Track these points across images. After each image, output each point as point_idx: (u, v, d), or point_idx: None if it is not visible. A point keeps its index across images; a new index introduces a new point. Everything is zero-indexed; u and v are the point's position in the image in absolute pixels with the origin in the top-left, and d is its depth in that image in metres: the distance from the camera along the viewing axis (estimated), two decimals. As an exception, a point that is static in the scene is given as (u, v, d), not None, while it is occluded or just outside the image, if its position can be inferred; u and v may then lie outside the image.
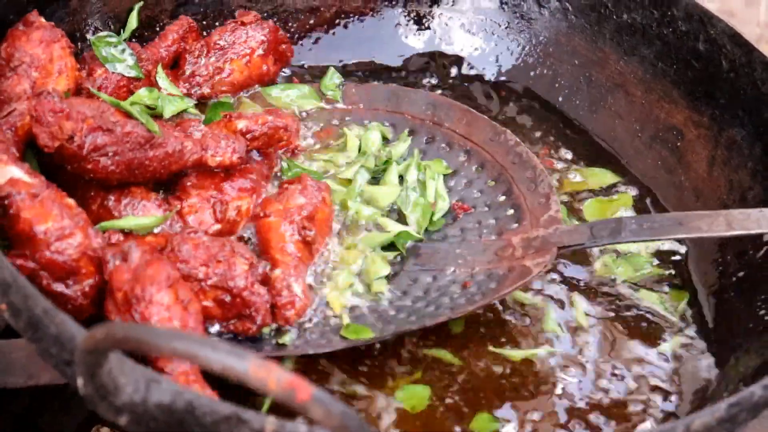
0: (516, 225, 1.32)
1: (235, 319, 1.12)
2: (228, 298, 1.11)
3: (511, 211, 1.33)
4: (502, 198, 1.35)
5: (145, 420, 0.85)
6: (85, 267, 1.06)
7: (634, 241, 1.26)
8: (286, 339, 1.16)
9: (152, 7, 1.52)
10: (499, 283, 1.23)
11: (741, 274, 1.29)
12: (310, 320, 1.18)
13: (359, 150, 1.42)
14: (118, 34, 1.45)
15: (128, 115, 1.20)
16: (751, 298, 1.27)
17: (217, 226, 1.22)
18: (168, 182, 1.23)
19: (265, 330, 1.15)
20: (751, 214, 1.19)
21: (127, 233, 1.16)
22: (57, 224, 1.05)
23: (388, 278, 1.27)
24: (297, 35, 1.59)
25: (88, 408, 0.86)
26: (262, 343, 1.14)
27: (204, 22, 1.59)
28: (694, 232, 1.22)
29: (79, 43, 1.45)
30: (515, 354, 1.20)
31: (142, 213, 1.17)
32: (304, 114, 1.47)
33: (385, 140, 1.45)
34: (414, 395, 1.16)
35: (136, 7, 1.47)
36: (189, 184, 1.23)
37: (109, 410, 0.85)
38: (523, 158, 1.38)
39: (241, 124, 1.29)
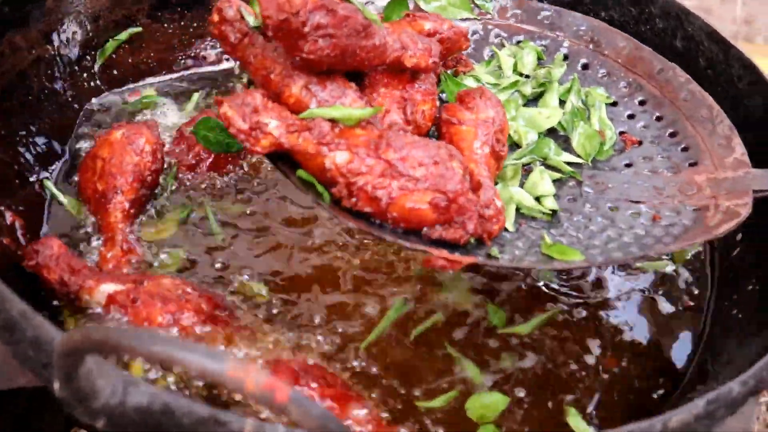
0: (694, 164, 1.17)
1: (446, 225, 1.02)
2: (444, 202, 0.99)
3: (685, 149, 1.20)
4: (672, 135, 1.21)
5: (122, 423, 0.79)
6: None
7: None
8: (495, 252, 1.04)
9: (129, 6, 1.49)
10: (696, 222, 1.09)
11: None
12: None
13: (514, 70, 1.27)
14: (94, 34, 1.42)
15: (346, 0, 1.07)
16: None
17: (408, 129, 1.10)
18: (357, 78, 1.12)
19: (471, 240, 1.03)
20: None
21: (334, 123, 1.03)
22: None
23: (569, 201, 1.15)
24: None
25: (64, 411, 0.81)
26: (470, 253, 1.03)
27: (182, 23, 1.58)
28: None
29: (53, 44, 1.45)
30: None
31: (349, 102, 1.06)
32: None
33: (539, 62, 1.29)
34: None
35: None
36: (378, 81, 1.12)
37: (87, 414, 0.79)
38: (696, 96, 1.22)
39: (428, 25, 1.18)
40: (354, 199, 1.01)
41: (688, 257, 1.30)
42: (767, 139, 1.24)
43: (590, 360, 1.18)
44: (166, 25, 1.48)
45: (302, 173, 1.04)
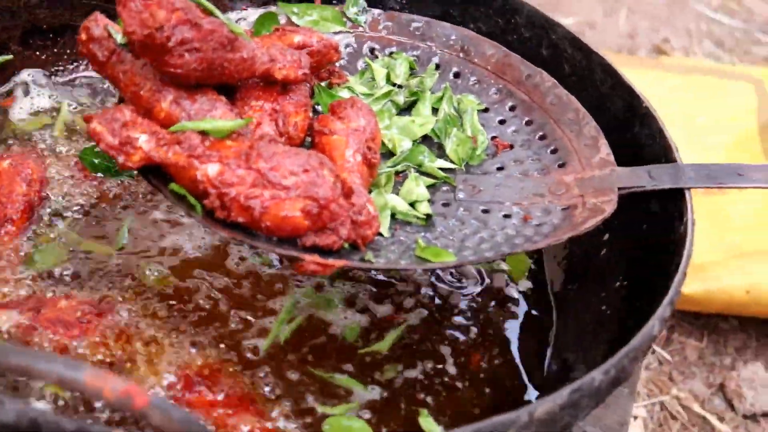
0: (563, 165, 1.21)
1: (319, 232, 1.02)
2: (315, 209, 1.00)
3: (554, 151, 1.23)
4: (542, 138, 1.25)
5: (-13, 444, 0.76)
6: None
7: (692, 187, 1.17)
8: (370, 256, 1.05)
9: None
10: (564, 220, 1.13)
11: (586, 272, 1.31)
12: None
13: (387, 80, 1.29)
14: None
15: (211, 15, 1.07)
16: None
17: (280, 140, 1.11)
18: (228, 91, 1.13)
19: (345, 246, 1.05)
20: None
21: (204, 135, 1.04)
22: None
23: (443, 206, 1.17)
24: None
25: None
26: (344, 258, 1.04)
27: (55, 49, 1.52)
28: (755, 183, 1.16)
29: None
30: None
31: (219, 114, 1.06)
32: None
33: (412, 72, 1.32)
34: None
35: None
36: (249, 93, 1.13)
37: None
38: (563, 100, 1.26)
39: (297, 38, 1.19)
40: (227, 211, 1.02)
41: (526, 273, 1.34)
42: (630, 140, 1.29)
43: (450, 363, 1.21)
44: (38, 51, 1.46)
45: (174, 186, 1.05)
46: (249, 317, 1.22)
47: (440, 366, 1.21)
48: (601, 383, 0.98)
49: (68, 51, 1.52)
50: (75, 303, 1.16)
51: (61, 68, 1.52)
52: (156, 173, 1.06)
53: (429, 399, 1.18)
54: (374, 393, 1.16)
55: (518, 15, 1.41)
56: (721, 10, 3.12)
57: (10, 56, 1.44)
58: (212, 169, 1.03)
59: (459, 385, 1.20)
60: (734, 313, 2.06)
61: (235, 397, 1.11)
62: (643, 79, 2.38)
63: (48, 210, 1.29)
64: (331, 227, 1.04)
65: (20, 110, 1.44)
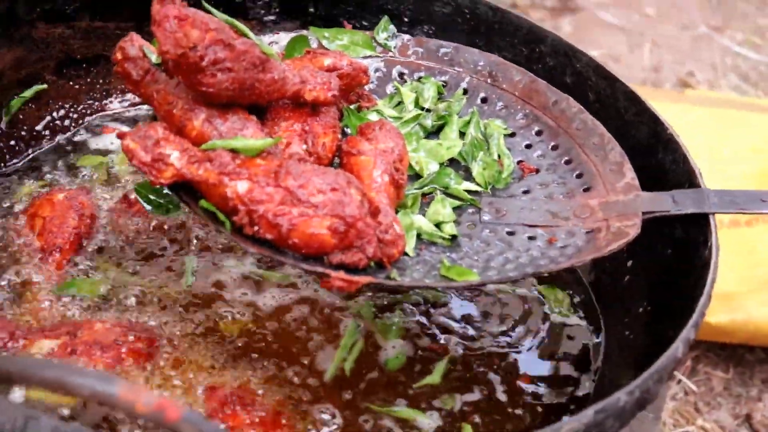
0: (588, 189, 1.22)
1: (345, 250, 1.04)
2: (342, 227, 1.02)
3: (579, 176, 1.25)
4: (567, 162, 1.26)
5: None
6: None
7: (716, 212, 1.17)
8: (395, 274, 1.07)
9: (34, 64, 1.49)
10: (588, 242, 1.14)
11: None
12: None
13: (415, 104, 1.31)
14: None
15: (243, 36, 1.10)
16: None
17: (309, 159, 1.13)
18: (259, 111, 1.15)
19: (371, 264, 1.06)
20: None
21: (235, 153, 1.06)
22: None
23: (468, 227, 1.19)
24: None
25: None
26: (370, 275, 1.05)
27: (89, 79, 1.59)
28: None
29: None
30: None
31: (250, 134, 1.08)
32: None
33: (440, 96, 1.34)
34: None
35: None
36: (280, 114, 1.15)
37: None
38: (588, 125, 1.27)
39: (327, 61, 1.21)
40: (256, 227, 1.04)
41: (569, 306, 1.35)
42: (654, 166, 1.30)
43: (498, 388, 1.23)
44: (72, 82, 1.50)
45: (204, 203, 1.07)
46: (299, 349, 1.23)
47: (488, 391, 1.23)
48: (626, 404, 0.99)
49: (101, 81, 1.55)
50: (110, 326, 1.18)
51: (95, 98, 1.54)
52: (186, 190, 1.08)
53: (479, 419, 1.19)
54: (434, 420, 1.17)
55: (543, 44, 1.43)
56: (746, 45, 3.13)
57: (45, 86, 1.47)
58: (242, 186, 1.05)
59: (508, 408, 1.22)
60: (760, 344, 2.05)
61: (269, 416, 1.12)
62: (668, 111, 2.39)
63: (95, 244, 1.32)
64: (357, 245, 1.05)
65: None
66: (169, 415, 0.73)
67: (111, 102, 1.54)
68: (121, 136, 1.06)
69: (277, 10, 1.51)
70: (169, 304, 1.24)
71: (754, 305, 2.03)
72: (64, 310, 1.23)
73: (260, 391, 1.16)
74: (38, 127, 1.48)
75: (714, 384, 2.01)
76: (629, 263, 1.31)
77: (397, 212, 1.16)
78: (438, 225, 1.19)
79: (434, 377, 1.21)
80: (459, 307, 1.32)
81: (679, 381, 1.99)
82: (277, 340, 1.23)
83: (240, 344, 1.21)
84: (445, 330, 1.29)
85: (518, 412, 1.21)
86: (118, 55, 1.12)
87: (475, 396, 1.22)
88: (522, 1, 3.23)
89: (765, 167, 2.42)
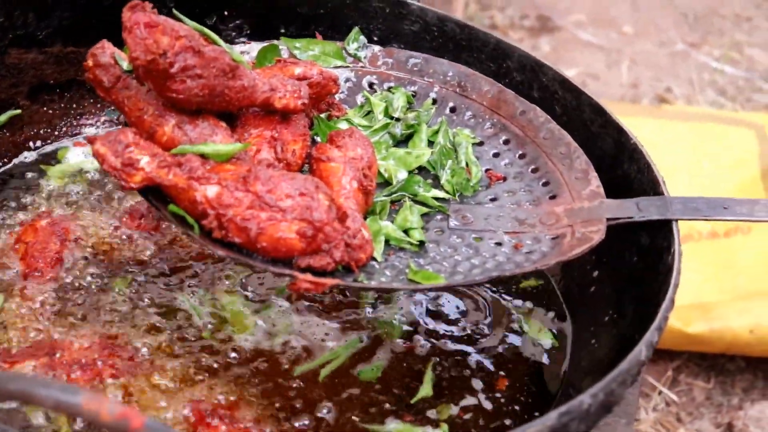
0: (554, 197, 1.25)
1: (313, 254, 1.06)
2: (310, 231, 1.04)
3: (545, 184, 1.27)
4: (534, 170, 1.29)
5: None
6: None
7: (680, 219, 1.20)
8: (363, 278, 1.09)
9: (7, 89, 1.50)
10: (553, 248, 1.16)
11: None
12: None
13: (385, 114, 1.33)
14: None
15: (213, 43, 1.12)
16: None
17: (278, 165, 1.14)
18: (229, 119, 1.16)
19: (339, 268, 1.08)
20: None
21: (204, 159, 1.07)
22: None
23: (436, 234, 1.21)
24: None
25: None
26: (338, 278, 1.07)
27: (62, 104, 1.59)
28: (739, 216, 1.19)
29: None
30: None
31: (219, 139, 1.10)
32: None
33: (409, 106, 1.36)
34: None
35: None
36: (250, 121, 1.17)
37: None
38: (555, 135, 1.30)
39: (298, 70, 1.23)
40: (224, 231, 1.05)
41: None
42: (620, 176, 1.32)
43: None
44: (46, 107, 1.51)
45: (173, 207, 1.08)
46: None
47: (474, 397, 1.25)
48: (590, 407, 1.00)
49: (75, 105, 1.57)
50: (88, 344, 1.20)
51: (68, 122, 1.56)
52: (156, 194, 1.10)
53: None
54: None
55: (510, 59, 1.45)
56: (724, 60, 3.18)
57: (18, 111, 1.49)
58: (211, 190, 1.06)
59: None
60: (739, 353, 2.08)
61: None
62: (646, 127, 2.43)
63: (74, 261, 1.35)
64: (325, 249, 1.07)
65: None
66: (132, 424, 0.75)
67: (85, 126, 1.55)
68: (91, 140, 1.07)
69: (249, 31, 1.54)
70: (148, 319, 1.26)
71: (731, 314, 2.06)
72: (44, 330, 1.23)
73: (241, 405, 1.17)
74: (13, 152, 1.49)
75: (695, 394, 2.03)
76: (596, 273, 1.34)
77: (366, 218, 1.18)
78: (406, 231, 1.20)
79: (426, 389, 1.23)
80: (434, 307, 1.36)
81: (660, 392, 2.01)
82: (259, 355, 1.25)
83: (224, 359, 1.23)
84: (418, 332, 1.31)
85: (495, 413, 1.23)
86: (90, 62, 1.14)
87: (456, 407, 1.24)
88: (501, 21, 3.27)
89: (744, 180, 2.46)
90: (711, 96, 2.99)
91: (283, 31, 1.51)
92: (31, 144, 1.52)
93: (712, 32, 3.28)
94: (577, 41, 3.19)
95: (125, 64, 1.13)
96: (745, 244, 2.25)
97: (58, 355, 1.17)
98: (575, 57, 3.11)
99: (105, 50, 1.14)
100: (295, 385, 1.21)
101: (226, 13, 1.53)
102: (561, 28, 3.23)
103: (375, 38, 1.50)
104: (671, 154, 2.45)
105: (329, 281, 1.05)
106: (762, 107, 2.95)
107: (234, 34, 1.55)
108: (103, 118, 1.57)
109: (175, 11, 1.16)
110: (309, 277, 1.05)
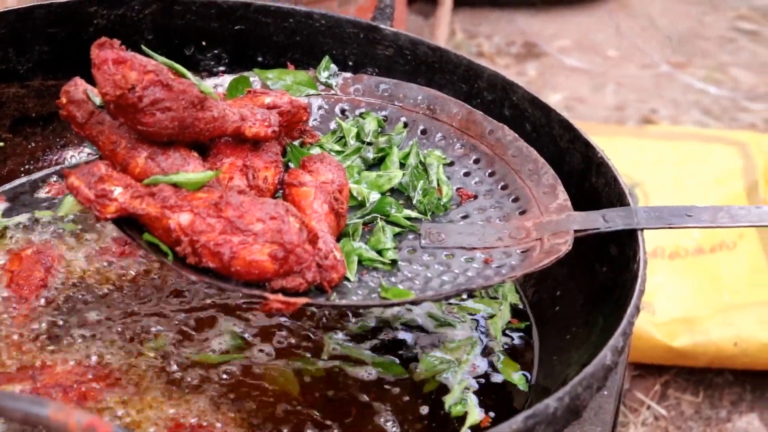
0: (523, 212, 1.29)
1: (286, 276, 1.09)
2: (282, 253, 1.07)
3: (515, 200, 1.31)
4: (504, 187, 1.33)
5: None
6: None
7: (646, 228, 1.24)
8: (335, 297, 1.13)
9: None
10: (523, 260, 1.21)
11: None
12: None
13: (357, 138, 1.37)
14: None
15: (182, 77, 1.17)
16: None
17: (250, 192, 1.17)
18: (202, 149, 1.21)
19: (312, 289, 1.11)
20: (751, 210, 1.24)
21: (176, 188, 1.11)
22: None
23: (408, 252, 1.25)
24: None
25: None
26: (308, 297, 1.11)
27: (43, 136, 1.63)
28: (702, 223, 1.23)
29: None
30: None
31: (191, 169, 1.14)
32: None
33: (381, 130, 1.40)
34: None
35: None
36: (222, 150, 1.21)
37: None
38: (523, 152, 1.35)
39: (268, 100, 1.27)
40: (198, 257, 1.09)
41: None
42: (588, 189, 1.36)
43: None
44: (27, 139, 1.56)
45: (148, 236, 1.12)
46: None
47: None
48: (555, 410, 1.03)
49: (57, 138, 1.61)
50: (70, 367, 1.22)
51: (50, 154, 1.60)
52: (130, 224, 1.13)
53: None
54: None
55: (480, 79, 1.50)
56: (708, 80, 3.22)
57: (1, 144, 1.53)
58: (184, 218, 1.10)
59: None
60: (724, 366, 2.09)
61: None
62: (632, 147, 2.47)
63: (59, 288, 1.38)
64: (297, 271, 1.10)
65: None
66: (100, 433, 0.77)
67: (68, 157, 1.60)
68: (66, 174, 1.11)
69: (227, 60, 1.59)
70: (131, 345, 1.29)
71: (714, 327, 2.08)
72: (27, 353, 1.26)
73: (219, 425, 1.19)
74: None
75: (684, 408, 2.05)
76: (566, 286, 1.37)
77: (339, 240, 1.22)
78: (379, 251, 1.24)
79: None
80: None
81: (649, 407, 2.02)
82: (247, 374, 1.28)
83: (209, 379, 1.26)
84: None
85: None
86: (63, 99, 1.18)
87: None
88: (488, 49, 3.33)
89: (728, 196, 2.48)
90: (696, 116, 3.03)
91: (260, 59, 1.56)
92: (14, 177, 1.56)
93: (696, 54, 3.33)
94: (562, 66, 3.24)
95: (98, 100, 1.18)
96: (729, 260, 2.27)
97: (41, 379, 1.19)
98: (561, 82, 3.16)
99: (78, 87, 1.19)
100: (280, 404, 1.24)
101: (204, 43, 1.58)
102: (547, 54, 3.28)
103: (350, 63, 1.55)
104: (656, 173, 2.48)
105: (299, 300, 1.09)
106: (747, 126, 2.99)
107: (213, 63, 1.60)
108: (86, 150, 1.61)
109: (143, 47, 1.21)
110: (280, 297, 1.08)
